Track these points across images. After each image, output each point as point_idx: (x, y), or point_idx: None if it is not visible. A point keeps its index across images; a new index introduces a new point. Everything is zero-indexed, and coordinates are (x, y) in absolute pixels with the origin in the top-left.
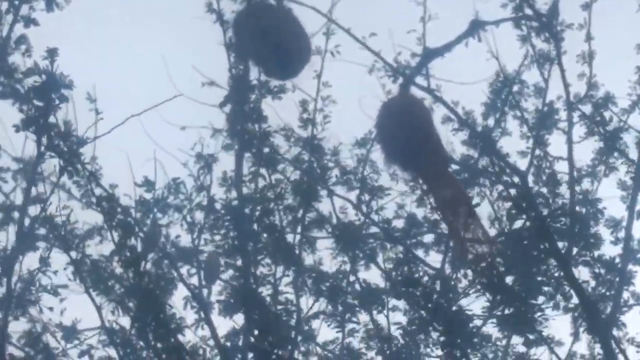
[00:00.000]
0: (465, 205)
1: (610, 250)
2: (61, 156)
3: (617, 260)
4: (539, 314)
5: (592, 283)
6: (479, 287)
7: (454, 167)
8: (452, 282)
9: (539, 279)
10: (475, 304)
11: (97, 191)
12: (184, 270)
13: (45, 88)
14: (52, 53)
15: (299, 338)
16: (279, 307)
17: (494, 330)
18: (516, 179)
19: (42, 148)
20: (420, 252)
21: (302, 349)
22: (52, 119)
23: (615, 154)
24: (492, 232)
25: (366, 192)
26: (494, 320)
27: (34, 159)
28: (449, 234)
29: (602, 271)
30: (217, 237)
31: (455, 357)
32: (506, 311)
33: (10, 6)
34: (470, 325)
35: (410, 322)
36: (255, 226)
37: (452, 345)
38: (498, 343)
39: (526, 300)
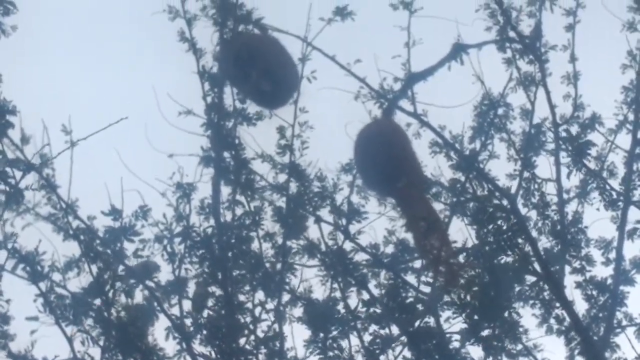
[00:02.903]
0: (438, 230)
1: (601, 271)
2: (7, 184)
3: (609, 281)
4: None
5: (585, 305)
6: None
7: (441, 191)
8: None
9: (531, 302)
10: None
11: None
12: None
13: None
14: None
15: None
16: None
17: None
18: (505, 202)
19: None
20: (411, 278)
21: None
22: None
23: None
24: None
25: (344, 216)
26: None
27: None
28: (421, 258)
29: (594, 292)
30: (196, 266)
31: None
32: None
33: None
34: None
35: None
36: (232, 254)
37: None
38: None
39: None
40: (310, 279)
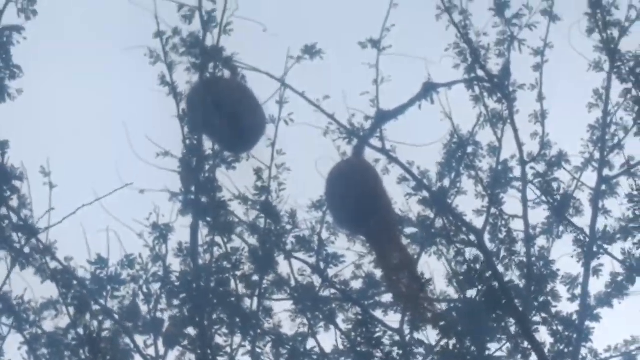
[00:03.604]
0: (408, 267)
1: (567, 307)
2: (12, 249)
3: (575, 317)
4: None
5: (551, 340)
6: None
7: (410, 228)
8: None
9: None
10: None
11: (53, 264)
12: (140, 340)
13: None
14: (3, 146)
15: None
16: None
17: None
18: (472, 238)
19: None
20: (379, 313)
21: None
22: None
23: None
24: (450, 290)
25: (322, 259)
26: None
27: None
28: (393, 297)
29: (560, 328)
30: (174, 308)
31: None
32: None
33: None
34: None
35: None
36: (210, 297)
37: None
38: None
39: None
40: (280, 313)
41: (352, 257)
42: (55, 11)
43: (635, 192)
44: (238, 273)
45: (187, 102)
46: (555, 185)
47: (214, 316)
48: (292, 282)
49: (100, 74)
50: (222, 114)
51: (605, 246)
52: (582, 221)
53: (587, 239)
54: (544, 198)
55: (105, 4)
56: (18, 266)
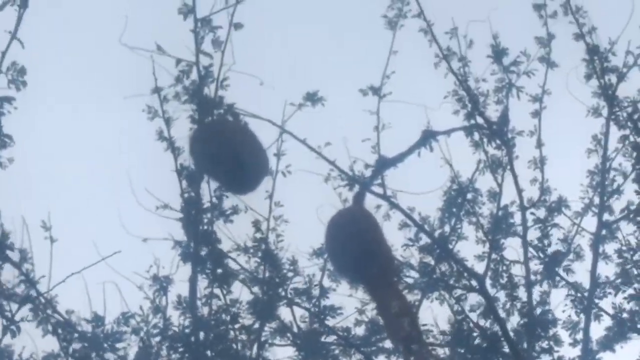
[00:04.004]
0: (409, 317)
1: (569, 351)
2: (4, 317)
3: None
4: None
5: None
6: None
7: (412, 274)
8: None
9: None
10: None
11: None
12: None
13: None
14: None
15: None
16: None
17: None
18: (474, 283)
19: None
20: (381, 359)
21: None
22: None
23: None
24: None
25: (320, 313)
26: None
27: None
28: (392, 342)
29: None
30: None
31: None
32: None
33: None
34: None
35: None
36: (209, 351)
37: None
38: None
39: None
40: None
41: (355, 303)
42: (55, 56)
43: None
44: (237, 325)
45: (189, 143)
46: (550, 236)
47: None
48: (295, 329)
49: (101, 122)
50: (225, 154)
51: (608, 291)
52: (583, 266)
53: (579, 294)
54: (535, 253)
55: (105, 52)
56: (9, 334)
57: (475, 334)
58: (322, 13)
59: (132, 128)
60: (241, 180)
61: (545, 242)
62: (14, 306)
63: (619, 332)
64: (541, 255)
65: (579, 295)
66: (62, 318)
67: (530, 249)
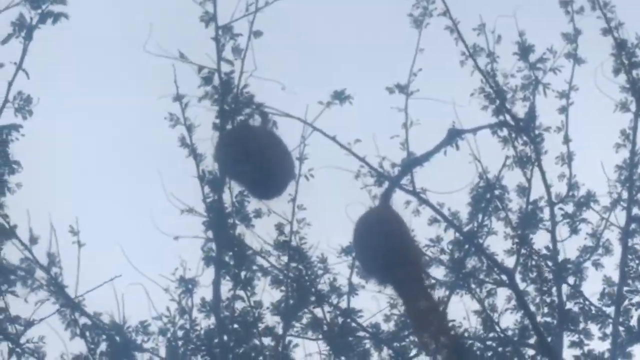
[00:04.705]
0: (437, 315)
1: (599, 345)
2: (8, 339)
3: (607, 355)
4: None
5: None
6: None
7: (441, 270)
8: None
9: None
10: None
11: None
12: None
13: None
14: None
15: None
16: None
17: None
18: (504, 277)
19: None
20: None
21: None
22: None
23: None
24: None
25: (342, 315)
26: None
27: None
28: (421, 342)
29: None
30: None
31: None
32: None
33: None
34: None
35: None
36: (233, 353)
37: None
38: None
39: None
40: (313, 354)
41: (384, 299)
42: (82, 61)
43: None
44: (261, 326)
45: (215, 148)
46: (579, 231)
47: None
48: (325, 324)
49: (127, 126)
50: (251, 160)
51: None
52: (612, 260)
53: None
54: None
55: (130, 59)
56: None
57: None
58: (347, 12)
59: (158, 132)
60: (267, 186)
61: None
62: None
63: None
64: (549, 264)
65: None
66: (90, 320)
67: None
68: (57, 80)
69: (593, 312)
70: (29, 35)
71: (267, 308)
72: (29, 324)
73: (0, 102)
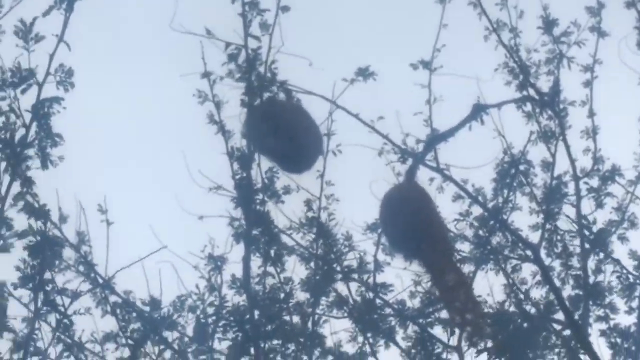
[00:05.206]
0: (464, 290)
1: (625, 319)
2: (57, 310)
3: (633, 328)
4: None
5: (610, 352)
6: None
7: (466, 246)
8: None
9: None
10: None
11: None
12: None
13: (39, 247)
14: (45, 215)
15: None
16: None
17: None
18: (529, 253)
19: (39, 304)
20: (437, 330)
21: None
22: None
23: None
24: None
25: (371, 290)
26: None
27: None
28: (449, 317)
29: (618, 340)
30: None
31: None
32: None
33: (8, 165)
34: None
35: None
36: (264, 329)
37: None
38: None
39: None
40: (339, 331)
41: (410, 276)
42: (108, 39)
43: None
44: (291, 303)
45: (243, 124)
46: (604, 205)
47: (268, 345)
48: (351, 302)
49: (153, 104)
50: (280, 134)
51: None
52: (638, 234)
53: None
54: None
55: (156, 36)
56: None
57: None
58: None
59: (185, 109)
60: (297, 160)
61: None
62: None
63: None
64: (587, 233)
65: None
66: (120, 299)
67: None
68: (81, 57)
69: (631, 280)
70: (70, 6)
71: (298, 284)
72: (76, 295)
73: (42, 74)
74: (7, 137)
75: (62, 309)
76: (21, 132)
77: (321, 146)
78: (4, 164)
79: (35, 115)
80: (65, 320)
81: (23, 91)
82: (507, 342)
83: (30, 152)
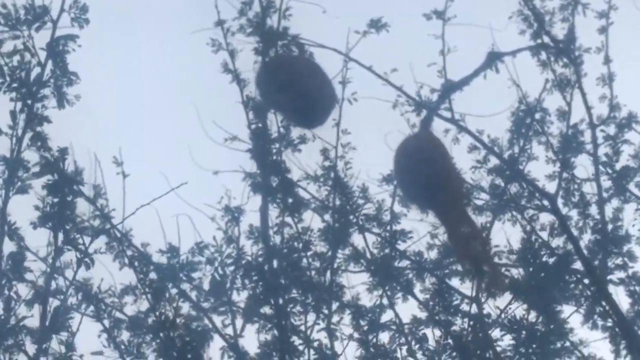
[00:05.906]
0: (480, 241)
1: None
2: (77, 249)
3: None
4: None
5: (629, 300)
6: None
7: (482, 196)
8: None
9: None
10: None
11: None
12: (218, 321)
13: (57, 185)
14: (63, 152)
15: None
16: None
17: None
18: (546, 203)
19: (59, 243)
20: (455, 282)
21: None
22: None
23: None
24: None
25: (388, 240)
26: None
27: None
28: (463, 266)
29: (637, 288)
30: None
31: None
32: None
33: (24, 106)
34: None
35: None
36: (283, 280)
37: None
38: None
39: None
40: (357, 285)
41: (426, 227)
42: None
43: None
44: (309, 253)
45: (255, 78)
46: (621, 153)
47: (288, 296)
48: (368, 255)
49: (166, 57)
50: (291, 88)
51: None
52: None
53: None
54: (603, 169)
55: None
56: (83, 266)
57: (544, 252)
58: None
59: (197, 63)
60: (309, 115)
61: (614, 158)
62: (87, 239)
63: None
64: (609, 171)
65: None
66: (137, 251)
67: (601, 167)
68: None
69: None
70: None
71: (316, 233)
72: (97, 232)
73: (56, 12)
74: (23, 76)
75: (83, 247)
76: (36, 71)
77: (334, 100)
78: (19, 104)
79: (50, 53)
80: (86, 260)
81: (37, 29)
82: (531, 278)
83: (46, 91)
